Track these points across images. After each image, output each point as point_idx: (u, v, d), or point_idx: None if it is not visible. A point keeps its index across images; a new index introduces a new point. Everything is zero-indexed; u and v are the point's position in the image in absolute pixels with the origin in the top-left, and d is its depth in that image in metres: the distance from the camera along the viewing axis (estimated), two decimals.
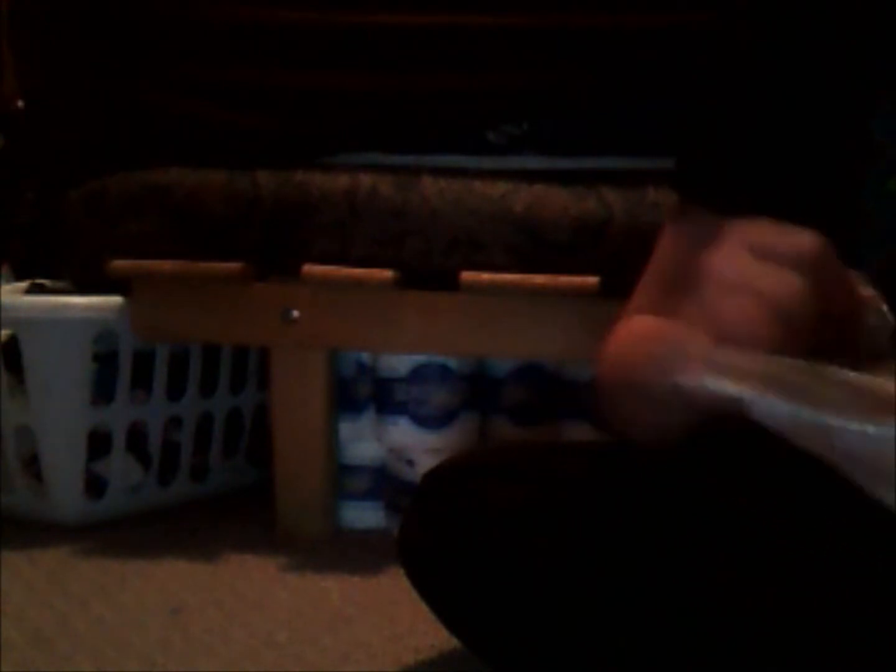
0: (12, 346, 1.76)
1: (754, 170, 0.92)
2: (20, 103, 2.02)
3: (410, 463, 1.73)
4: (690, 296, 0.78)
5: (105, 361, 1.77)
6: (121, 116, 1.77)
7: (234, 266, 1.69)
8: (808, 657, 0.82)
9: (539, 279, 1.61)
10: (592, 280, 1.58)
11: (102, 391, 1.77)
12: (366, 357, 1.76)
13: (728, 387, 0.72)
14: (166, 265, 1.71)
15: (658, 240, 0.90)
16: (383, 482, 1.77)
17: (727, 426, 0.76)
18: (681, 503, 0.87)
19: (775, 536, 0.85)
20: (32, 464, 1.77)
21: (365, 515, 1.78)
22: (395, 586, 1.43)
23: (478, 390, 1.77)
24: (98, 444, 1.77)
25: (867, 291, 0.79)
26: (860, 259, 0.85)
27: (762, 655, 0.83)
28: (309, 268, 1.66)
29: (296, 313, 1.68)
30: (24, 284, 1.86)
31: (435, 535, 1.00)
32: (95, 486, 1.77)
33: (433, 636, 1.29)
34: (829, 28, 0.88)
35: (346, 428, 1.77)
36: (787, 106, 0.90)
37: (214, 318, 1.74)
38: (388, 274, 1.64)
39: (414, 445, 1.73)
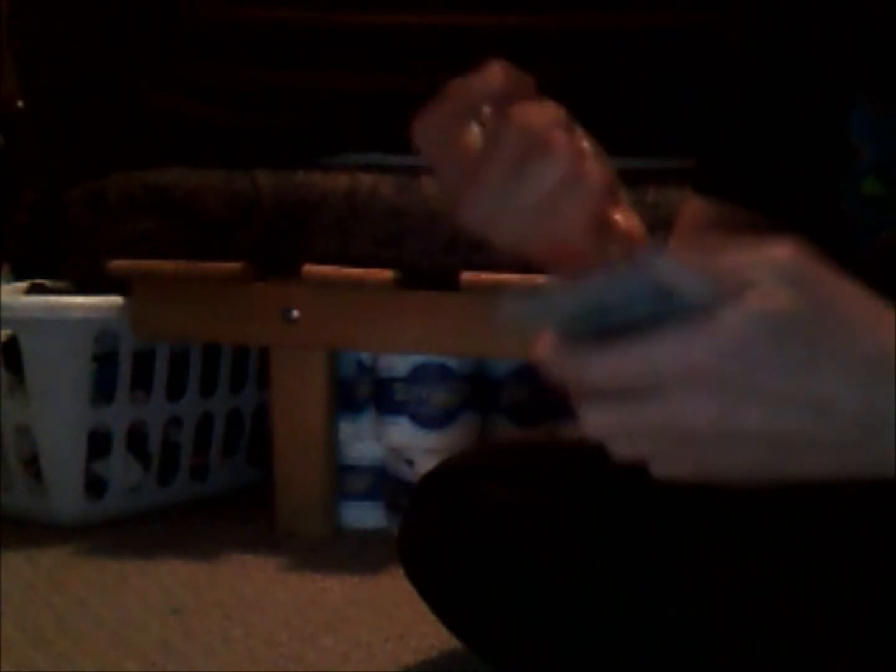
0: (12, 346, 1.76)
1: (736, 167, 0.93)
2: (20, 103, 2.02)
3: (410, 463, 1.73)
4: None
5: (105, 361, 1.77)
6: (121, 116, 1.77)
7: (234, 266, 1.69)
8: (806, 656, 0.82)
9: (539, 279, 1.60)
10: None
11: (102, 391, 1.77)
12: (366, 357, 1.76)
13: None
14: (166, 265, 1.71)
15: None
16: (383, 482, 1.77)
17: None
18: (676, 500, 0.87)
19: (771, 535, 0.85)
20: (32, 464, 1.77)
21: (365, 515, 1.77)
22: (395, 586, 1.43)
23: (478, 390, 1.77)
24: (98, 444, 1.77)
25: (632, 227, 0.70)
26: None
27: (758, 654, 0.83)
28: (309, 268, 1.66)
29: (296, 313, 1.68)
30: (24, 284, 1.86)
31: (435, 535, 1.00)
32: (95, 486, 1.77)
33: (433, 636, 1.29)
34: (807, 30, 0.88)
35: (346, 428, 1.77)
36: (766, 108, 0.91)
37: (214, 318, 1.74)
38: (388, 274, 1.64)
39: (414, 445, 1.73)
